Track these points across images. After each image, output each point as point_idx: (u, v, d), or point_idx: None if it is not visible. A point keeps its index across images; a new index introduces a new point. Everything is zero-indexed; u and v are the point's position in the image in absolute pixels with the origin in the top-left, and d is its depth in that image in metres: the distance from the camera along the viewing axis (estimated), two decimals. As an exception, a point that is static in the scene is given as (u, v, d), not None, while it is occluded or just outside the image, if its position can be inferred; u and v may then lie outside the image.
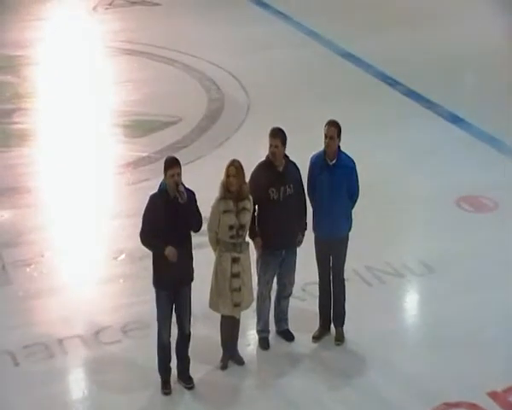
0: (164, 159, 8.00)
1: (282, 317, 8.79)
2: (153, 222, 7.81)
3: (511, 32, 18.81)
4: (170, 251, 7.72)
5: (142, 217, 7.91)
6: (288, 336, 8.78)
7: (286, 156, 8.45)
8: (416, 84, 15.30)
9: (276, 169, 8.36)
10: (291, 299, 8.84)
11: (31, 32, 18.68)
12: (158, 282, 7.97)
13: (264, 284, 8.58)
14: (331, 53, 17.17)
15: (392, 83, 15.55)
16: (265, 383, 8.27)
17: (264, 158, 8.46)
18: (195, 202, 7.95)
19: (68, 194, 11.97)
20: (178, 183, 7.74)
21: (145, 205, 7.94)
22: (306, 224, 8.62)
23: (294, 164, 8.52)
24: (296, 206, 8.48)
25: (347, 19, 19.17)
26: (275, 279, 8.67)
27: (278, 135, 8.32)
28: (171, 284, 7.89)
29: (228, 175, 8.01)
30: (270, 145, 8.33)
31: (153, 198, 7.91)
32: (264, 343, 8.73)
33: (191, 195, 7.93)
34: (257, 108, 14.44)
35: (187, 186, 7.91)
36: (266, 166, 8.39)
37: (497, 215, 11.14)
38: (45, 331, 8.99)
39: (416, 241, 10.79)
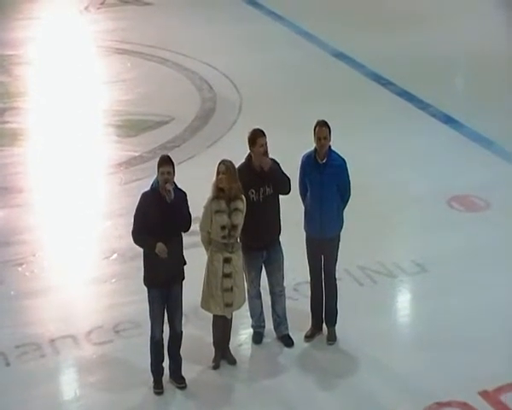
0: (157, 158, 8.02)
1: (279, 321, 8.72)
2: (143, 219, 7.82)
3: (504, 33, 18.87)
4: (160, 247, 7.72)
5: (133, 215, 7.92)
6: (287, 341, 8.70)
7: None
8: (409, 85, 15.29)
9: (255, 170, 8.35)
10: (283, 299, 8.85)
11: (22, 32, 18.66)
12: (149, 280, 7.98)
13: (250, 283, 8.58)
14: (324, 53, 17.16)
15: (386, 83, 15.55)
16: (257, 383, 8.26)
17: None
18: (186, 202, 7.95)
19: (60, 193, 11.95)
20: (167, 181, 7.75)
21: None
22: (290, 186, 8.52)
23: (274, 160, 8.48)
24: (275, 205, 8.47)
25: (340, 19, 19.16)
26: (266, 279, 8.67)
27: (264, 133, 8.34)
28: (162, 281, 7.88)
29: (217, 173, 8.01)
30: (261, 145, 8.30)
31: (144, 195, 7.94)
32: (255, 337, 8.75)
33: (182, 195, 7.93)
34: (249, 108, 14.43)
35: (179, 186, 7.92)
36: (246, 168, 8.37)
37: (489, 215, 11.15)
38: (37, 331, 8.97)
39: (408, 240, 10.80)
